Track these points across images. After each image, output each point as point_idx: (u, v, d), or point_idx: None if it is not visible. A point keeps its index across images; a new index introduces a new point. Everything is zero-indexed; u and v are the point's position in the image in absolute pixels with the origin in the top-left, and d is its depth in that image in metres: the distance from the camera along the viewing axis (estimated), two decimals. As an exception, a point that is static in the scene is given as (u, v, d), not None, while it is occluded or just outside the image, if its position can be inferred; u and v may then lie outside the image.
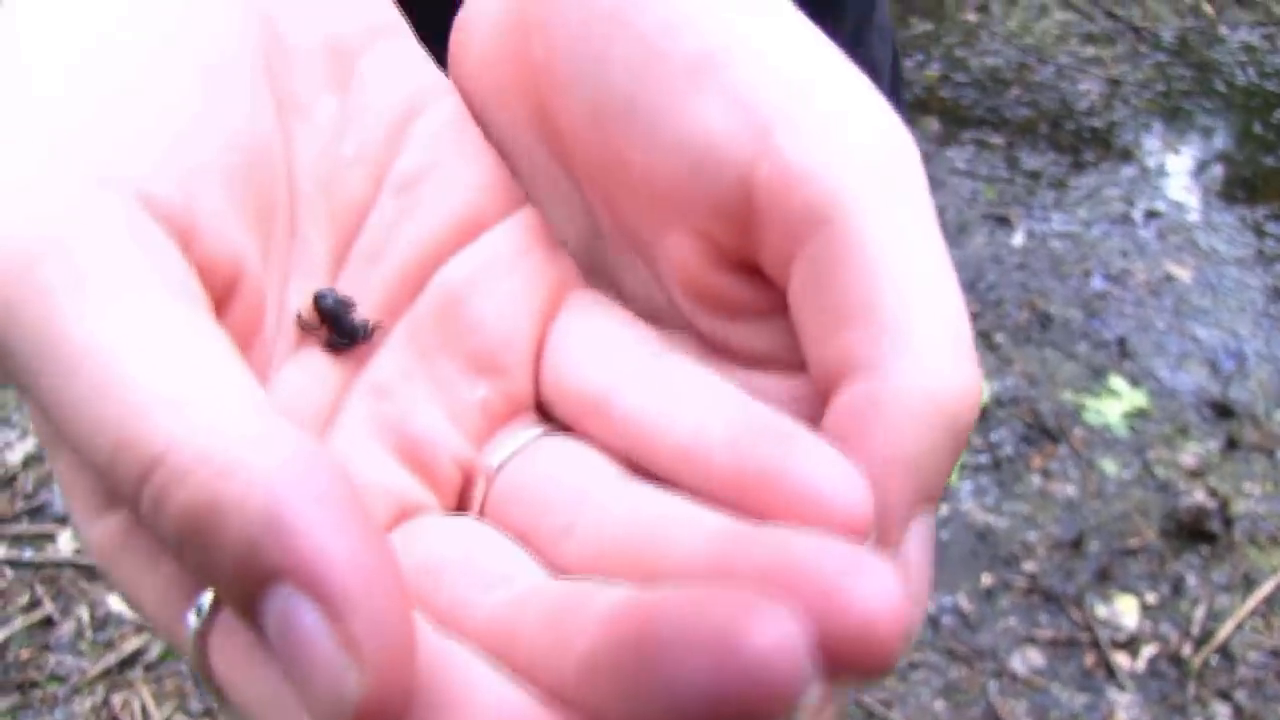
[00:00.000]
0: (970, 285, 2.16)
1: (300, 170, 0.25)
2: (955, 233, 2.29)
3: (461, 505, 0.25)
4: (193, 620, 0.21)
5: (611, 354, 0.25)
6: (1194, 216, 2.33)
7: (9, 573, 1.61)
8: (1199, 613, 1.57)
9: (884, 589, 0.17)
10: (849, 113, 0.23)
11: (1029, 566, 1.63)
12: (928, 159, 2.48)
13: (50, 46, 0.21)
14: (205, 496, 0.17)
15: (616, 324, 0.26)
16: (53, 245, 0.19)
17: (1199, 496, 1.72)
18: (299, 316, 0.25)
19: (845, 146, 0.22)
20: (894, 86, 0.67)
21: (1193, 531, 1.67)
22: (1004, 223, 2.33)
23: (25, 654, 1.51)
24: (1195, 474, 1.77)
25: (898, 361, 0.21)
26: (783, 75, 0.22)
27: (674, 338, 0.25)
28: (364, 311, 0.26)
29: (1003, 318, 2.09)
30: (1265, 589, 1.59)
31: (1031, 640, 1.54)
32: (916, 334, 0.21)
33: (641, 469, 0.23)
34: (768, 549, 0.18)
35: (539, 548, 0.23)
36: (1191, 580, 1.61)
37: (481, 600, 0.21)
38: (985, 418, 1.87)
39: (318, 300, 0.25)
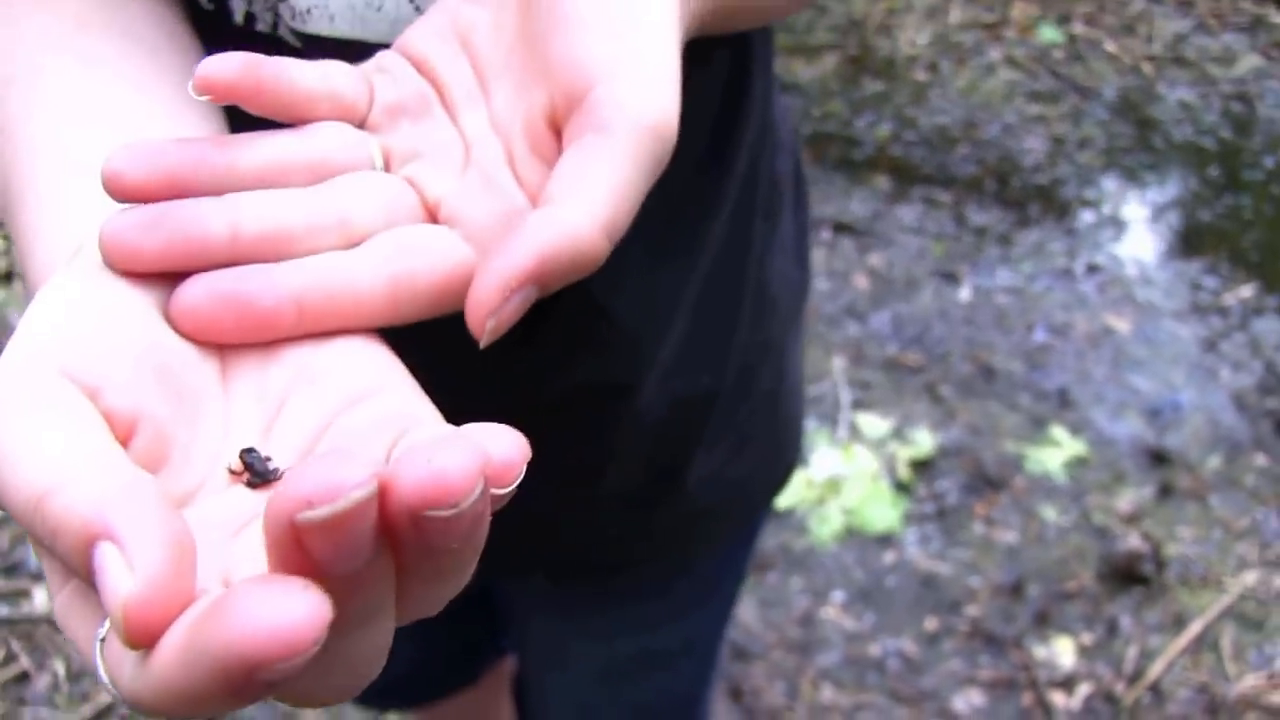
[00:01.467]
0: (918, 339, 2.25)
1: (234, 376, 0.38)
2: (904, 288, 2.39)
3: None
4: (100, 632, 0.30)
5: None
6: (1132, 270, 2.44)
7: None
8: (1132, 652, 1.64)
9: (453, 465, 0.26)
10: (649, 87, 0.38)
11: (971, 610, 1.71)
12: (878, 217, 2.58)
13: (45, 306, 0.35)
14: (60, 506, 0.27)
15: (432, 431, 0.36)
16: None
17: (1133, 541, 1.80)
18: (229, 467, 0.36)
19: (631, 101, 0.38)
20: (798, 197, 0.75)
21: (1127, 575, 1.75)
22: (951, 278, 2.42)
23: (1, 708, 1.56)
24: (1131, 519, 1.85)
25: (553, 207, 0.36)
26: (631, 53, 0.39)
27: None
28: (282, 461, 0.36)
29: (948, 370, 2.17)
30: (1194, 629, 1.67)
31: (973, 681, 1.61)
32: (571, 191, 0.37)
33: None
34: None
35: None
36: (1125, 621, 1.69)
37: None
38: (930, 468, 1.95)
39: (241, 455, 0.36)
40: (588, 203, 0.37)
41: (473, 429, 0.31)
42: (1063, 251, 2.49)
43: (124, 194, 0.37)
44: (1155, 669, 1.62)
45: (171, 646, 0.26)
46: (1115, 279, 2.41)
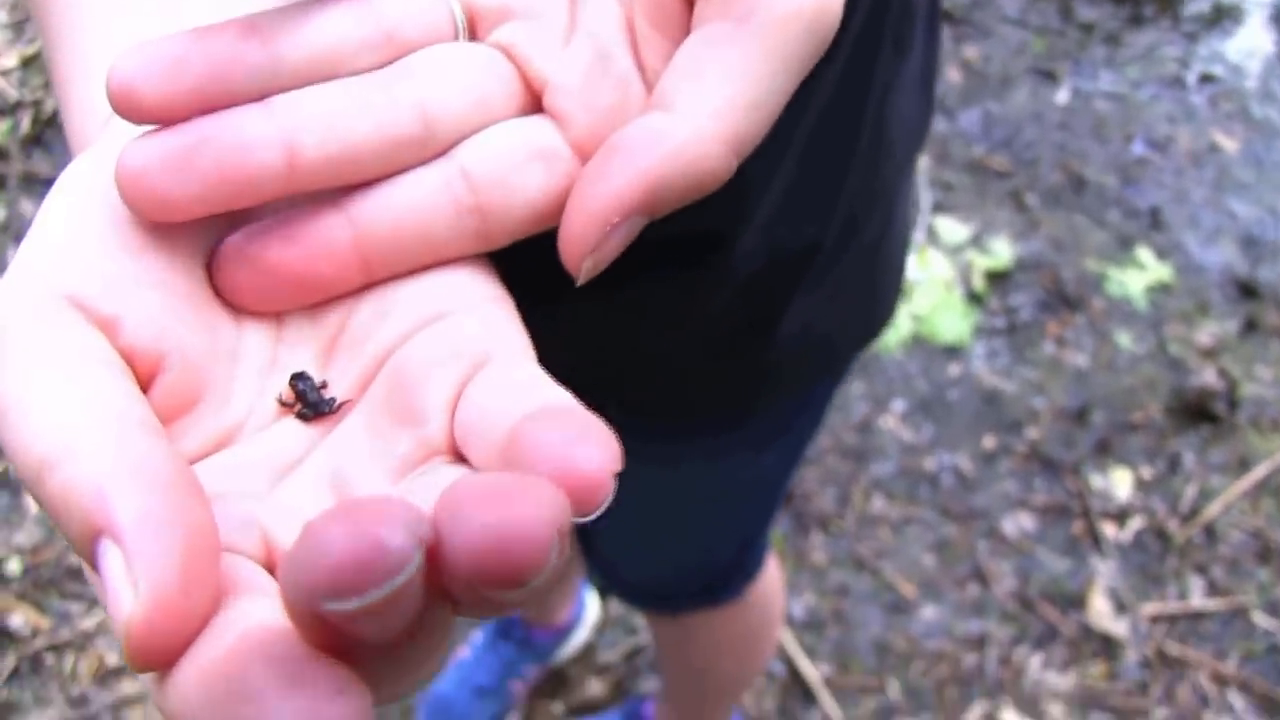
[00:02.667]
0: (1007, 142, 2.12)
1: None
2: (998, 85, 2.23)
3: None
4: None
5: (494, 391, 0.29)
6: (1251, 84, 2.26)
7: None
8: (1190, 490, 1.61)
9: (540, 512, 0.20)
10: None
11: (1031, 432, 1.67)
12: (977, 5, 2.39)
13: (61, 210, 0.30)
14: (60, 483, 0.23)
15: (515, 371, 0.30)
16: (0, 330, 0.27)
17: (1208, 377, 1.73)
18: (279, 396, 0.32)
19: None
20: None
21: (1197, 411, 1.70)
22: (1049, 78, 2.26)
23: None
24: (1208, 353, 1.78)
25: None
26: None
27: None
28: (339, 391, 0.32)
29: (1036, 178, 2.06)
30: (1258, 472, 1.63)
31: (1025, 504, 1.59)
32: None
33: None
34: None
35: None
36: (1188, 458, 1.65)
37: None
38: (1005, 280, 1.87)
39: (291, 381, 0.32)
40: (710, 111, 0.29)
41: (548, 429, 0.25)
42: (1175, 57, 2.31)
43: (140, 115, 0.29)
44: (1212, 509, 1.59)
45: (189, 689, 0.22)
46: (1230, 91, 2.24)
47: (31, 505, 1.54)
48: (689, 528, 0.89)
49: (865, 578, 1.50)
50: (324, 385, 0.32)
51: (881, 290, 0.73)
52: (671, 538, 0.90)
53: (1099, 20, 2.40)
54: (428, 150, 0.32)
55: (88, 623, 1.44)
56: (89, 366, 0.27)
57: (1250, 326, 1.83)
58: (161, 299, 0.29)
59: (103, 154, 0.31)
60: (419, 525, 0.20)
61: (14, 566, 1.49)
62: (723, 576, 0.96)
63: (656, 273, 0.54)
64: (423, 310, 0.32)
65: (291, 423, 0.32)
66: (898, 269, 0.74)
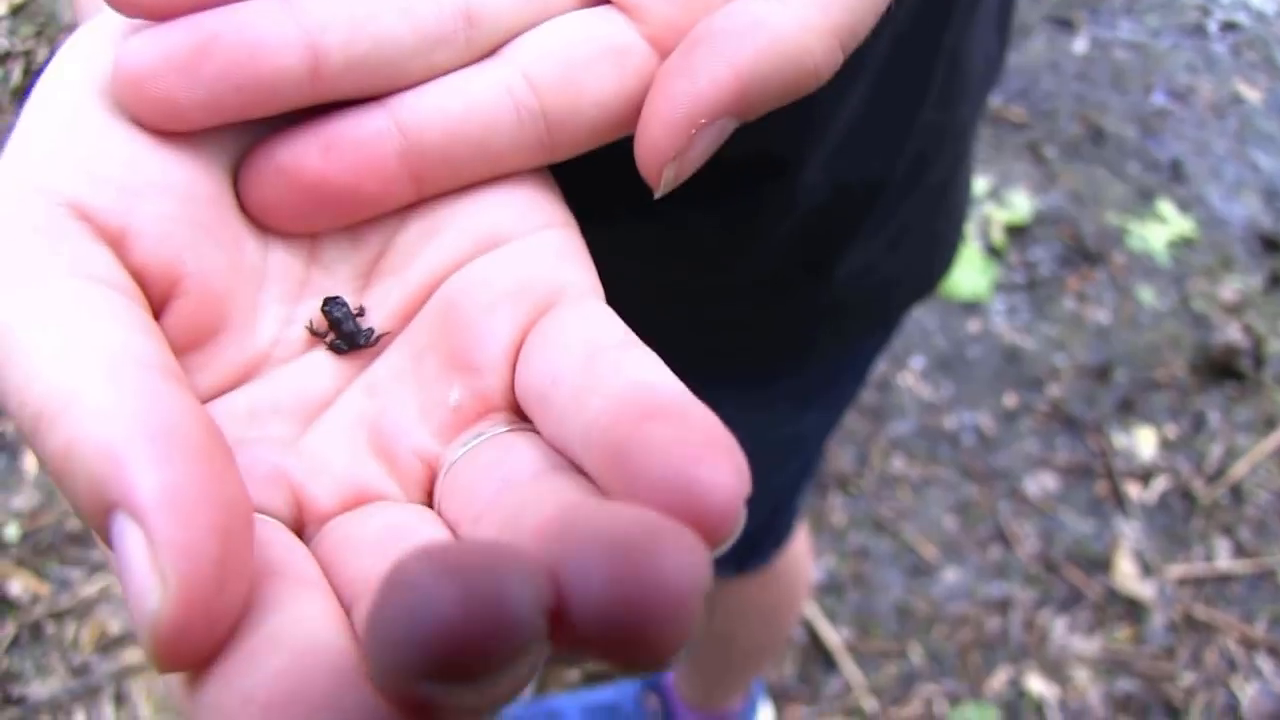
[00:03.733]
0: (1024, 92, 2.07)
1: None
2: (1014, 34, 2.17)
3: (431, 497, 0.27)
4: None
5: (562, 347, 0.25)
6: (1275, 31, 2.20)
7: None
8: (1216, 449, 1.57)
9: (681, 565, 0.17)
10: None
11: (1053, 391, 1.63)
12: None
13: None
14: (64, 440, 0.20)
15: (589, 318, 0.26)
16: None
17: (1233, 333, 1.69)
18: (308, 324, 0.28)
19: None
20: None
21: (1222, 368, 1.66)
22: (1067, 26, 2.20)
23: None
24: (1233, 309, 1.74)
25: None
26: None
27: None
28: (377, 321, 0.28)
29: (1054, 130, 2.00)
30: (1286, 431, 1.59)
31: (1047, 464, 1.55)
32: None
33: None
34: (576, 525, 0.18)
35: (459, 536, 0.24)
36: (1214, 417, 1.61)
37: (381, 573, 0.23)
38: (1025, 235, 1.83)
39: (324, 307, 0.28)
40: (820, 1, 0.25)
41: (666, 441, 0.20)
42: (1196, 4, 2.25)
43: (135, 7, 0.25)
44: (1238, 469, 1.55)
45: (234, 716, 0.18)
46: (1253, 40, 2.18)
47: (30, 467, 1.50)
48: None
49: (885, 540, 1.47)
50: (361, 312, 0.28)
51: (943, 238, 0.68)
52: None
53: (1118, -34, 2.34)
54: (473, 50, 0.27)
55: (89, 589, 1.41)
56: (95, 292, 0.23)
57: (1275, 281, 1.79)
58: (178, 209, 0.25)
59: (108, 28, 0.26)
60: (542, 584, 0.16)
61: (12, 531, 1.45)
62: (751, 541, 0.93)
63: (712, 199, 0.50)
64: (477, 232, 0.28)
65: (322, 355, 0.28)
66: (959, 218, 0.69)
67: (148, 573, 0.18)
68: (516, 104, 0.27)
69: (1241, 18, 2.22)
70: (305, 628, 0.20)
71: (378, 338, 0.28)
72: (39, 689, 1.33)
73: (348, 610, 0.22)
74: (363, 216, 0.28)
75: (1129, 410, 1.62)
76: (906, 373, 1.64)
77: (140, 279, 0.24)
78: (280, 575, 0.21)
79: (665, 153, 0.26)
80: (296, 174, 0.26)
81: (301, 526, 0.25)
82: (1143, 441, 1.58)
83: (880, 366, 1.64)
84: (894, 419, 1.58)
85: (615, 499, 0.20)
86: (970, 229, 1.81)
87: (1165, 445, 1.58)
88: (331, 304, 0.28)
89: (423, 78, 0.27)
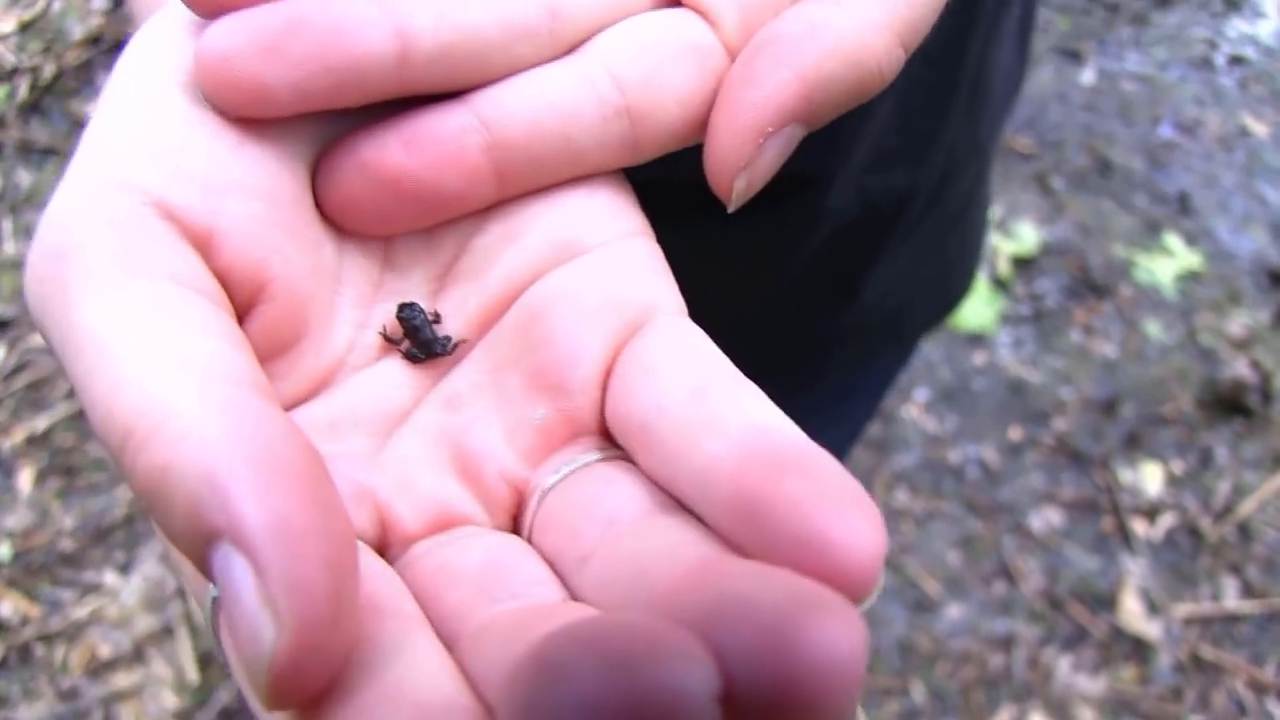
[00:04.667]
0: (1031, 122, 2.06)
1: None
2: (1024, 63, 2.17)
3: (517, 522, 0.26)
4: (211, 591, 0.22)
5: (665, 375, 0.24)
6: (1280, 67, 2.20)
7: (49, 362, 1.61)
8: (1224, 486, 1.56)
9: (842, 638, 0.17)
10: None
11: (1059, 424, 1.61)
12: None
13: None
14: (159, 463, 0.19)
15: (686, 345, 0.25)
16: (67, 246, 0.22)
17: (1241, 368, 1.68)
18: (382, 329, 0.27)
19: None
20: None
21: (1230, 404, 1.64)
22: (1075, 57, 2.20)
23: (69, 440, 1.52)
24: (1240, 344, 1.73)
25: None
26: None
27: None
28: (454, 328, 0.27)
29: (1061, 161, 2.00)
30: (1294, 468, 1.57)
31: (1053, 499, 1.54)
32: None
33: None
34: (723, 585, 0.18)
35: (562, 574, 0.24)
36: (1221, 453, 1.59)
37: (483, 610, 0.22)
38: (1031, 266, 1.81)
39: (399, 313, 0.27)
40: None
41: (801, 496, 0.20)
42: (1204, 38, 2.25)
43: (215, 6, 0.24)
44: (1246, 507, 1.53)
45: None
46: (1260, 74, 2.17)
47: (22, 486, 1.49)
48: None
49: (888, 574, 1.45)
50: (437, 319, 0.27)
51: (961, 263, 0.68)
52: None
53: (1124, 0, 2.34)
54: (556, 45, 0.27)
55: (80, 612, 1.39)
56: (183, 298, 0.22)
57: (1283, 317, 1.77)
58: (264, 209, 0.24)
59: (180, 19, 0.25)
60: (712, 673, 0.16)
61: (3, 551, 1.44)
62: None
63: (741, 213, 0.49)
64: (559, 237, 0.27)
65: (396, 363, 0.27)
66: (977, 242, 0.69)
67: (258, 608, 0.18)
68: (600, 99, 0.26)
69: (1249, 52, 2.22)
70: (425, 683, 0.19)
71: (454, 345, 0.27)
72: (26, 713, 1.31)
73: (448, 646, 0.21)
74: (444, 216, 0.27)
75: (1135, 445, 1.60)
76: (911, 405, 1.62)
77: (225, 282, 0.24)
78: (383, 611, 0.21)
79: (736, 163, 0.25)
80: (378, 169, 0.25)
81: (385, 547, 0.25)
82: (1149, 477, 1.57)
83: (885, 397, 1.63)
84: (898, 451, 1.57)
85: (747, 553, 0.20)
86: (976, 259, 1.80)
87: (1172, 481, 1.56)
88: (408, 310, 0.27)
89: (505, 73, 0.26)
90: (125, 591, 1.38)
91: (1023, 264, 1.81)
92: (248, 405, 0.20)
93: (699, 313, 0.58)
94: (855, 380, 0.75)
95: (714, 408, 0.22)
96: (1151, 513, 1.53)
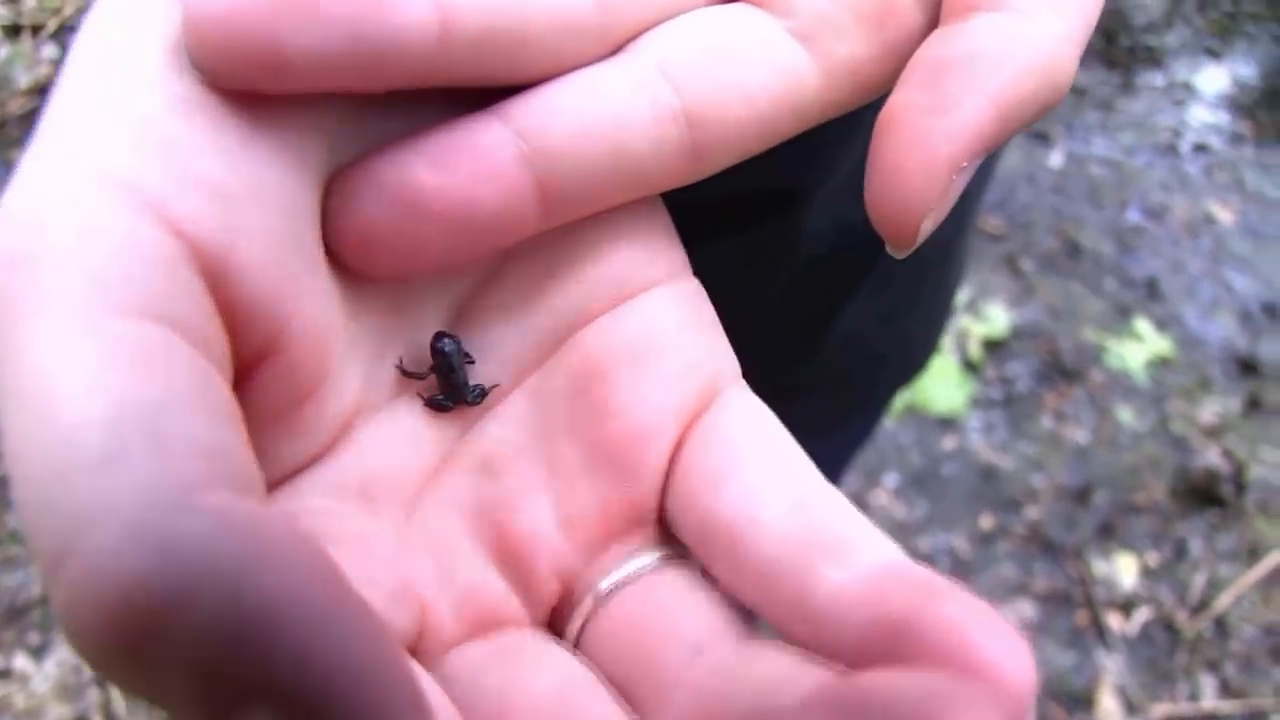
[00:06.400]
0: (1000, 204, 2.05)
1: None
2: (992, 145, 2.17)
3: (556, 618, 0.23)
4: None
5: (755, 475, 0.21)
6: (1246, 153, 2.21)
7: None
8: (1199, 579, 1.52)
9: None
10: None
11: (1031, 512, 1.57)
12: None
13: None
14: (142, 592, 0.14)
15: (767, 434, 0.22)
16: (27, 253, 0.17)
17: (1213, 457, 1.65)
18: (399, 363, 0.22)
19: None
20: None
21: (1203, 494, 1.61)
22: (1043, 140, 2.20)
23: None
24: (1212, 432, 1.70)
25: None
26: None
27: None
28: (486, 370, 0.23)
29: (1031, 243, 1.98)
30: (1270, 562, 1.54)
31: (1025, 590, 1.49)
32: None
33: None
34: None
35: (636, 703, 0.21)
36: (1196, 545, 1.55)
37: None
38: (1002, 349, 1.78)
39: (434, 342, 0.22)
40: (1052, 5, 0.22)
41: (957, 627, 0.18)
42: (1169, 125, 2.26)
43: None
44: (1222, 601, 1.49)
45: None
46: (1224, 162, 2.19)
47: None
48: None
49: (856, 668, 1.39)
50: (469, 358, 0.23)
51: (933, 317, 0.64)
52: None
53: (1091, 85, 2.35)
54: (604, 42, 0.23)
55: (38, 683, 1.29)
56: (174, 356, 0.16)
57: (1253, 404, 1.75)
58: (285, 230, 0.19)
59: None
60: None
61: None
62: None
63: (710, 234, 0.46)
64: (610, 274, 0.23)
65: (412, 409, 0.23)
66: (947, 303, 0.65)
67: None
68: (654, 104, 0.22)
69: (1213, 140, 2.24)
70: None
71: (485, 394, 0.23)
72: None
73: None
74: (480, 249, 0.22)
75: (1109, 535, 1.56)
76: (880, 490, 1.57)
77: (232, 324, 0.18)
78: None
79: (927, 202, 0.21)
80: (402, 191, 0.21)
81: (418, 652, 0.21)
82: (1123, 569, 1.52)
83: (853, 482, 1.58)
84: (867, 538, 1.52)
85: (857, 670, 0.18)
86: (947, 341, 1.77)
87: (1146, 573, 1.52)
88: (445, 341, 0.22)
89: (549, 70, 0.22)
90: (37, 678, 1.29)
91: (993, 346, 1.78)
92: (253, 524, 0.15)
93: None
94: (817, 446, 0.70)
95: (822, 530, 0.20)
96: (1126, 606, 1.48)
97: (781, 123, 0.23)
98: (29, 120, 1.92)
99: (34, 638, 1.33)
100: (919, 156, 0.21)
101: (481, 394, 0.23)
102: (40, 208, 0.17)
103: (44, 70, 1.97)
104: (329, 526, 0.20)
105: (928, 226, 0.22)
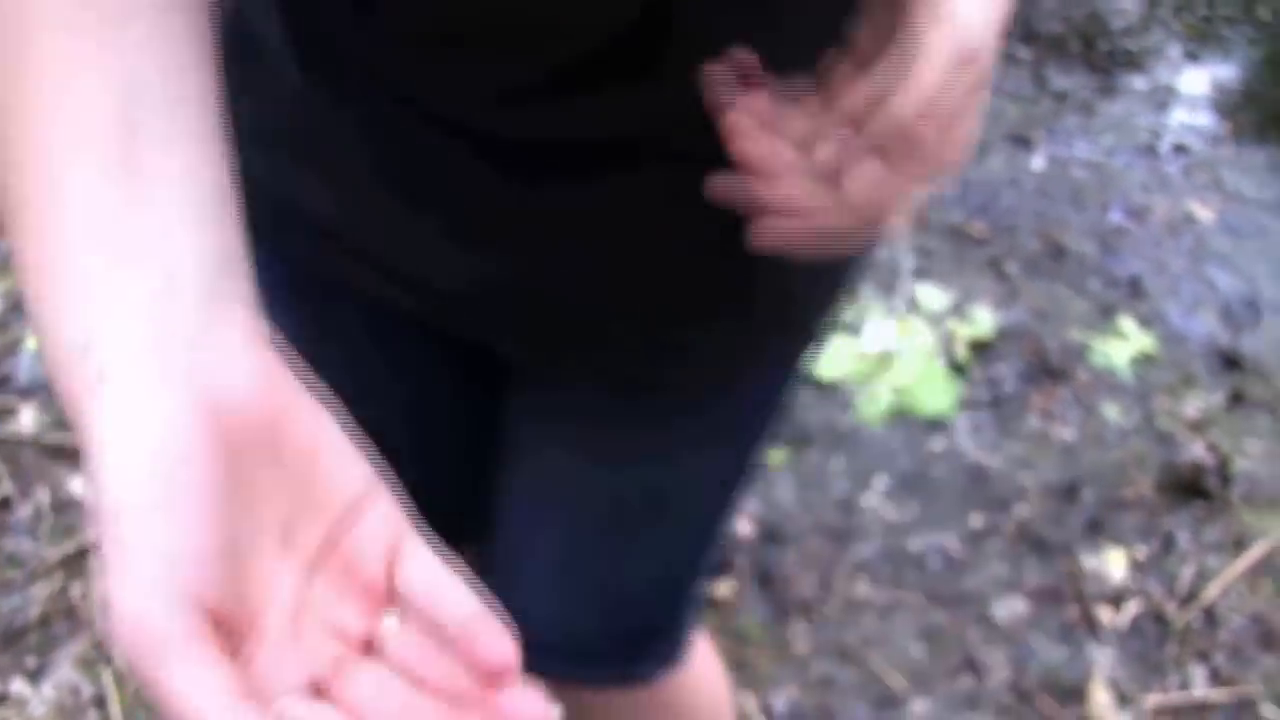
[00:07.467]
0: (984, 208, 2.08)
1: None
2: (973, 151, 2.20)
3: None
4: None
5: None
6: (1224, 153, 2.24)
7: (-32, 439, 1.56)
8: (1187, 571, 1.54)
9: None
10: None
11: (1020, 511, 1.60)
12: (953, 70, 2.36)
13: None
14: None
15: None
16: (154, 648, 0.31)
17: (1198, 451, 1.67)
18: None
19: None
20: None
21: (1189, 487, 1.64)
22: (1025, 144, 2.23)
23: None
24: (1197, 426, 1.73)
25: None
26: None
27: None
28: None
29: (1015, 245, 2.01)
30: (1256, 552, 1.56)
31: (1016, 587, 1.51)
32: None
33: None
34: None
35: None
36: (1183, 537, 1.58)
37: None
38: (989, 350, 1.81)
39: None
40: None
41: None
42: (1148, 126, 2.29)
43: None
44: (1210, 592, 1.52)
45: None
46: (1203, 162, 2.22)
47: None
48: (624, 549, 0.76)
49: (851, 669, 1.41)
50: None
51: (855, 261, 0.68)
52: (604, 562, 0.77)
53: (1072, 89, 2.39)
54: None
55: (36, 707, 1.32)
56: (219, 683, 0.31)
57: (1236, 399, 1.78)
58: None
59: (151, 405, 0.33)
60: None
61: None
62: (648, 635, 0.81)
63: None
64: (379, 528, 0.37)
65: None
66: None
67: None
68: None
69: (1192, 141, 2.27)
70: None
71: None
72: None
73: None
74: None
75: (1097, 531, 1.58)
76: (870, 493, 1.60)
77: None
78: None
79: None
80: None
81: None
82: (1112, 563, 1.55)
83: (842, 486, 1.60)
84: (858, 541, 1.54)
85: None
86: (933, 345, 1.80)
87: (1135, 567, 1.55)
88: None
89: None
90: (34, 702, 1.31)
91: (980, 348, 1.81)
92: None
93: (613, 285, 0.60)
94: (745, 405, 0.72)
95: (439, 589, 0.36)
96: (1116, 600, 1.51)
97: None
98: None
99: (31, 661, 1.35)
100: None
101: None
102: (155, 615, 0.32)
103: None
104: None
105: None
